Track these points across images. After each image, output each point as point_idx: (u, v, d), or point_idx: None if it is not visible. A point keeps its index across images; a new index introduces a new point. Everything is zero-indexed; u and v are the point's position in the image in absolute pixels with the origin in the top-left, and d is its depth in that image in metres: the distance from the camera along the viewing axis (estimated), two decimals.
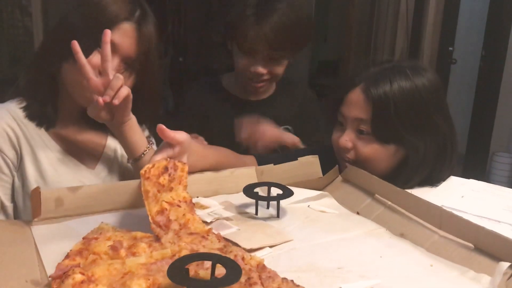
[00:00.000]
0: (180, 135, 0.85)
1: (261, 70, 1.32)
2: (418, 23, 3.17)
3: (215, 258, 0.61)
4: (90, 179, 1.07)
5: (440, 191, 0.98)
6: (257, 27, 1.24)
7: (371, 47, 3.30)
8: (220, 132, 1.38)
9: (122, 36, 0.98)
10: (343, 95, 1.07)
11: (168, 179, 0.81)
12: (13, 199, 1.03)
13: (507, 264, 0.64)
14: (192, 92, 1.50)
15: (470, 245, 0.73)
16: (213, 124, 1.41)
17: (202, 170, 0.95)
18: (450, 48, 3.67)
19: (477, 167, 3.64)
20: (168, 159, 0.83)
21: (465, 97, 4.00)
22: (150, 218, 0.75)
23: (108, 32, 0.91)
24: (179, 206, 0.79)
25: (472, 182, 1.01)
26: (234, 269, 0.59)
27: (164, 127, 0.83)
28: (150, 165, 0.79)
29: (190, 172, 0.89)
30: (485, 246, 0.71)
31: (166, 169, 0.81)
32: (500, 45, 3.42)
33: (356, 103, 1.03)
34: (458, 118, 4.01)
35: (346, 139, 1.05)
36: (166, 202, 0.78)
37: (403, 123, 1.00)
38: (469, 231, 0.73)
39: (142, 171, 0.78)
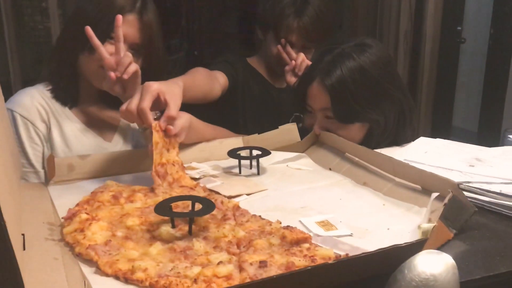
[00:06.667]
0: (182, 122, 0.94)
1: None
2: (421, 3, 3.22)
3: (194, 199, 0.76)
4: (108, 150, 1.23)
5: (407, 149, 1.09)
6: (297, 20, 1.42)
7: (376, 30, 3.37)
8: (245, 96, 1.52)
9: (127, 26, 1.12)
10: (305, 89, 1.17)
11: (167, 140, 0.94)
12: (43, 166, 1.19)
13: (436, 194, 0.76)
14: (228, 56, 1.57)
15: (418, 187, 0.85)
16: (236, 87, 1.50)
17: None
18: (459, 28, 3.70)
19: (489, 145, 3.66)
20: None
21: (476, 76, 4.02)
22: (153, 166, 0.88)
23: (120, 17, 1.07)
24: (173, 165, 0.93)
25: (439, 141, 1.12)
26: (209, 205, 0.73)
27: (167, 126, 0.90)
28: (158, 121, 0.90)
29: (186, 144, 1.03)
30: (429, 186, 0.82)
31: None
32: (509, 22, 3.43)
33: (317, 96, 1.14)
34: (469, 97, 3.99)
35: (318, 127, 1.16)
36: (165, 159, 0.92)
37: (360, 103, 1.10)
38: (416, 175, 0.85)
39: (153, 124, 0.89)
